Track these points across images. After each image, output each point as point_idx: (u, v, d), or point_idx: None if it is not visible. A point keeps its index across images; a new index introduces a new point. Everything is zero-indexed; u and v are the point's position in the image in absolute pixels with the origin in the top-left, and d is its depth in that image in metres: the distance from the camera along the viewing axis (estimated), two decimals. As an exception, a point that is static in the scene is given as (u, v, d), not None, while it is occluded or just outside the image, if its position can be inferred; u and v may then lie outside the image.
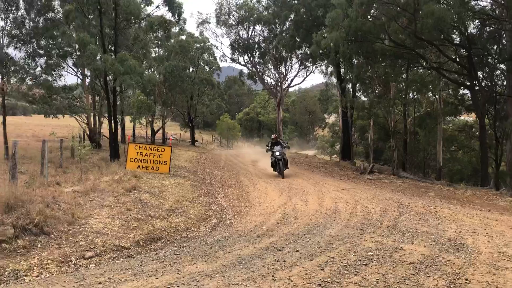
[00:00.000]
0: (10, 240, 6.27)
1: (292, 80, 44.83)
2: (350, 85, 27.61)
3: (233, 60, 44.81)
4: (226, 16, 41.97)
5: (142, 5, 23.13)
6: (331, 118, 61.11)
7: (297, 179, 16.59)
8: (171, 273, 5.01)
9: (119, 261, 6.29)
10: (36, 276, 5.43)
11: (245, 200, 12.05)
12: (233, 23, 42.24)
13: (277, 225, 8.36)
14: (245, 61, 44.20)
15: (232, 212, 10.56)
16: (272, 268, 5.06)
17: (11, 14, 21.41)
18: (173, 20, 24.89)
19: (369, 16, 19.09)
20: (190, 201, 11.51)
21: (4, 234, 6.27)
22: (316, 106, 67.57)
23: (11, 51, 21.60)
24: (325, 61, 28.54)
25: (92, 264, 6.08)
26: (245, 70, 46.70)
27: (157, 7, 24.21)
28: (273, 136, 18.65)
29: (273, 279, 4.67)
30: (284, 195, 12.29)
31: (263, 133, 76.32)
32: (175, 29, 31.33)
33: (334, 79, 30.23)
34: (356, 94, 27.41)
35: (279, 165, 16.85)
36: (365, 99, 26.93)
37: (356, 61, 21.85)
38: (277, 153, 17.07)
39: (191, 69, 42.46)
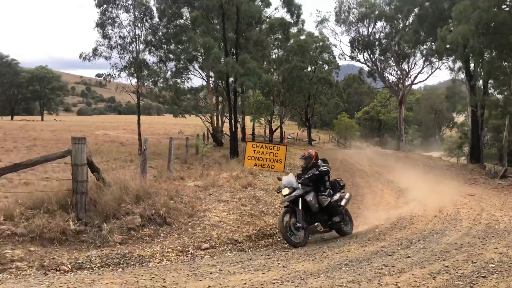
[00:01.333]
0: (137, 228, 6.95)
1: (415, 77, 42.54)
2: (480, 82, 25.23)
3: (352, 58, 44.00)
4: (346, 14, 41.36)
5: (261, 7, 23.90)
6: (460, 118, 56.51)
7: (417, 182, 15.68)
8: (278, 269, 5.12)
9: (232, 254, 6.59)
10: (158, 263, 5.94)
11: (359, 202, 11.76)
12: (353, 20, 41.46)
13: (391, 229, 8.02)
14: (365, 58, 43.09)
15: (345, 213, 10.39)
16: (379, 273, 4.89)
17: (146, 23, 23.66)
18: (292, 21, 25.22)
19: (504, 6, 17.27)
20: (303, 200, 11.58)
21: (133, 222, 6.98)
22: (443, 105, 62.97)
23: (145, 56, 23.92)
24: (452, 57, 26.48)
25: (207, 255, 6.46)
26: (365, 68, 45.52)
27: (275, 9, 24.80)
28: (304, 154, 8.81)
29: (379, 283, 4.52)
30: (401, 199, 11.74)
31: (384, 132, 73.53)
32: (293, 30, 31.73)
33: (462, 75, 27.96)
34: (488, 91, 24.98)
35: (297, 227, 7.39)
36: (499, 96, 24.44)
37: (487, 55, 19.91)
38: (297, 193, 7.70)
39: (309, 69, 42.58)
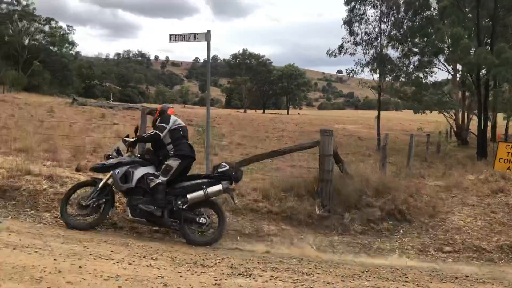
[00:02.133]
0: (377, 221, 7.07)
1: None
2: None
3: None
4: None
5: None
6: None
7: None
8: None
9: (478, 262, 6.07)
10: (397, 258, 5.94)
11: None
12: None
13: None
14: None
15: None
16: None
17: (392, 17, 23.45)
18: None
19: None
20: None
21: (373, 215, 7.13)
22: None
23: (388, 51, 23.73)
24: None
25: (450, 259, 6.12)
26: None
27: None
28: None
29: None
30: None
31: None
32: None
33: None
34: None
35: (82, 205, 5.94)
36: None
37: None
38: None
39: None
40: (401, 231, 6.98)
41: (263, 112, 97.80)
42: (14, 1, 72.77)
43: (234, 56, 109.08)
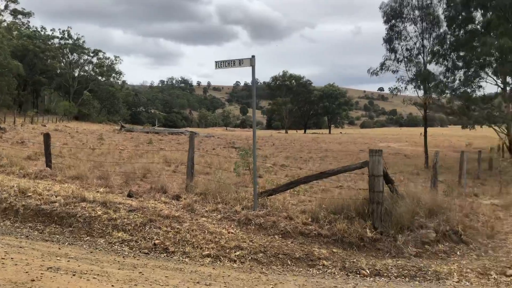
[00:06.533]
0: (432, 243, 6.81)
1: None
2: None
3: None
4: None
5: None
6: None
7: None
8: None
9: (545, 286, 5.70)
10: (457, 282, 5.67)
11: None
12: None
13: None
14: None
15: None
16: None
17: (433, 33, 23.06)
18: None
19: None
20: None
21: (427, 236, 6.88)
22: None
23: (432, 67, 23.24)
24: None
25: (513, 283, 5.78)
26: None
27: None
28: None
29: None
30: None
31: None
32: None
33: None
34: None
35: None
36: None
37: None
38: None
39: None
40: (458, 253, 6.68)
41: (305, 132, 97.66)
42: (66, 36, 76.98)
43: (274, 78, 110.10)
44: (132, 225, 6.67)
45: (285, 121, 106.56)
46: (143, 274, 4.90)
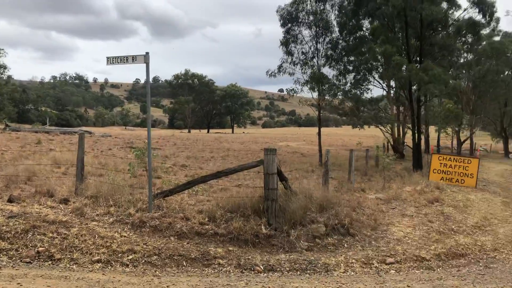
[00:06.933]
0: (322, 236, 7.18)
1: None
2: None
3: None
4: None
5: (450, 12, 22.34)
6: None
7: None
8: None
9: (419, 271, 6.30)
10: (343, 272, 6.04)
11: None
12: None
13: None
14: None
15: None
16: None
17: (326, 37, 24.34)
18: (484, 21, 22.87)
19: None
20: (499, 220, 10.34)
21: (318, 231, 7.23)
22: None
23: (326, 70, 24.55)
24: None
25: (393, 270, 6.30)
26: None
27: (465, 10, 22.80)
28: None
29: None
30: None
31: None
32: (485, 31, 28.69)
33: None
34: None
35: None
36: None
37: None
38: None
39: (506, 73, 37.81)
40: (345, 245, 7.11)
41: (208, 131, 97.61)
42: None
43: (176, 77, 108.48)
44: (12, 232, 6.11)
45: (188, 121, 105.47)
46: (21, 285, 4.51)
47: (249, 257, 6.33)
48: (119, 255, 5.89)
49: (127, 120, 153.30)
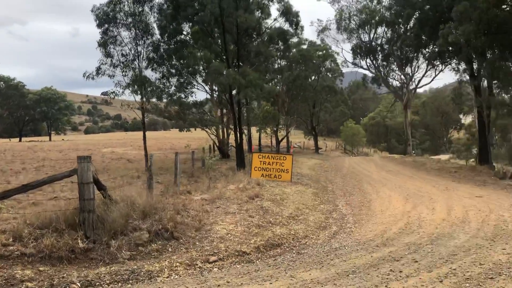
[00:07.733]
0: (145, 244, 6.99)
1: (419, 81, 42.62)
2: (485, 82, 25.09)
3: (355, 64, 44.13)
4: (347, 21, 41.57)
5: (263, 20, 24.21)
6: (468, 119, 56.37)
7: (425, 185, 15.63)
8: (285, 279, 5.13)
9: (240, 265, 6.60)
10: (166, 277, 5.97)
11: (367, 208, 11.72)
12: (354, 27, 41.63)
13: (398, 235, 8.00)
14: (368, 64, 43.22)
15: (352, 220, 10.36)
16: (387, 279, 4.89)
17: (147, 40, 23.96)
18: (291, 30, 25.44)
19: (504, 6, 17.26)
20: (310, 209, 11.57)
21: (140, 238, 7.02)
22: (450, 107, 62.74)
23: (148, 73, 24.20)
24: (455, 59, 26.39)
25: (215, 267, 6.48)
26: (369, 74, 45.61)
27: (275, 19, 25.05)
28: None
29: (386, 290, 4.52)
30: (409, 203, 11.69)
31: (391, 138, 73.33)
32: (294, 40, 31.96)
33: (467, 77, 27.72)
34: (494, 91, 24.83)
35: None
36: (506, 96, 24.34)
37: (490, 55, 19.83)
38: None
39: (313, 78, 42.70)
40: (170, 249, 7.06)
41: (20, 140, 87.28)
42: None
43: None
44: None
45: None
46: None
47: (64, 275, 5.79)
48: None
49: None
